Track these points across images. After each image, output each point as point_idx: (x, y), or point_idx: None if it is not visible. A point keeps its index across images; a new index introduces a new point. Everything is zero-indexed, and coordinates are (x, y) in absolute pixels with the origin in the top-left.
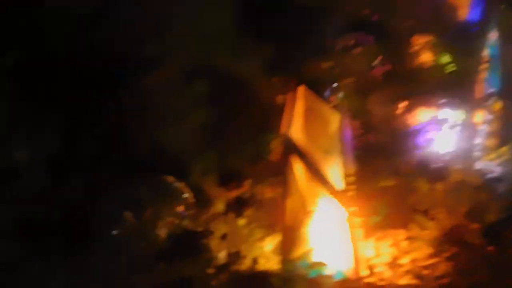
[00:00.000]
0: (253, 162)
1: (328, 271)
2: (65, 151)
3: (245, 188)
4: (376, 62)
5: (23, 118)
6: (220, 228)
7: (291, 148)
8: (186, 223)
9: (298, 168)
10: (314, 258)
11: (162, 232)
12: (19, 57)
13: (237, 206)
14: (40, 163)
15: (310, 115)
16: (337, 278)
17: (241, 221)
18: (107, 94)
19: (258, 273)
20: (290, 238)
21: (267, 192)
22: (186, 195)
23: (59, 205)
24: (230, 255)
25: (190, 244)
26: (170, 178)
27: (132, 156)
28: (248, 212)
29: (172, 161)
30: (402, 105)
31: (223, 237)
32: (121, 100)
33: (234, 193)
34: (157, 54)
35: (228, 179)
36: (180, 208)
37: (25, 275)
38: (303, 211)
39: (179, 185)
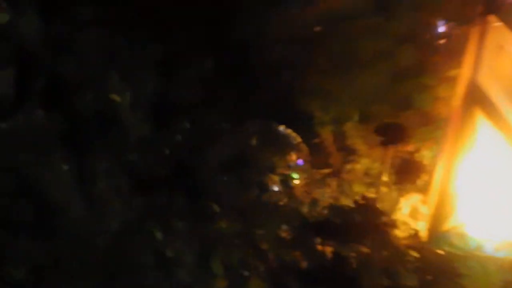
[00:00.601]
0: (406, 112)
1: (496, 246)
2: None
3: (395, 145)
4: None
5: (119, 53)
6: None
7: (475, 97)
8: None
9: (480, 122)
10: (482, 231)
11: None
12: None
13: (385, 166)
14: (141, 106)
15: (499, 54)
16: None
17: (390, 184)
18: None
19: (422, 250)
20: (448, 206)
21: (423, 149)
22: (304, 148)
23: (165, 155)
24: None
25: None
26: (283, 126)
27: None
28: (398, 173)
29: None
30: None
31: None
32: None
33: (380, 150)
34: None
35: (378, 133)
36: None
37: (146, 237)
38: (476, 173)
39: (297, 136)
